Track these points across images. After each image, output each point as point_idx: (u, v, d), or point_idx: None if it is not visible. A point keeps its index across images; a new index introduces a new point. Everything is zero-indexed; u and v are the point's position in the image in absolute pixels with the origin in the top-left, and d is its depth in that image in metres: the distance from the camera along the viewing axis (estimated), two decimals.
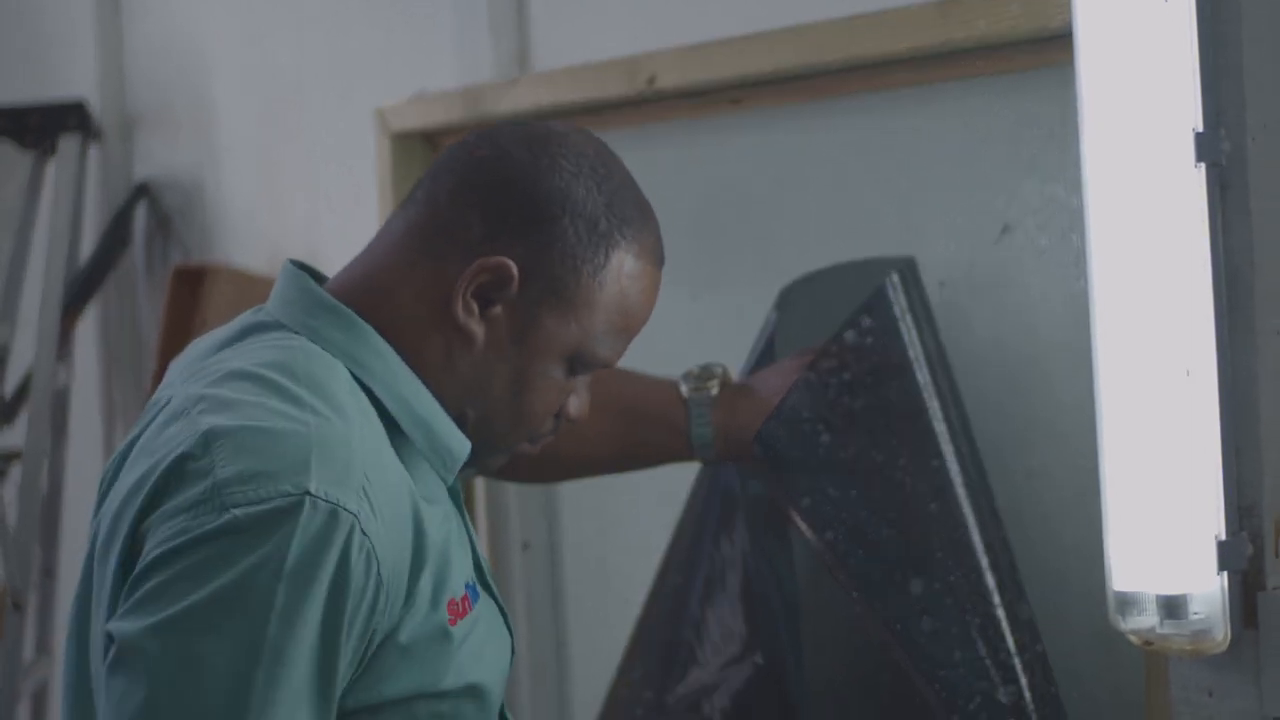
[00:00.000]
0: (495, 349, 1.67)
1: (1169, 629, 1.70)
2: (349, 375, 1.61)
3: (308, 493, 1.47)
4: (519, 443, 1.76)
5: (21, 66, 4.51)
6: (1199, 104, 1.68)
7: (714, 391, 2.06)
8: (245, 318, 1.70)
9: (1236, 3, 1.69)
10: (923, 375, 1.98)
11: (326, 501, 1.47)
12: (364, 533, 1.49)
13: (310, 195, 3.44)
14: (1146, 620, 1.72)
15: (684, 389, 2.07)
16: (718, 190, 2.43)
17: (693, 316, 2.44)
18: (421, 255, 1.66)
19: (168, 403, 1.62)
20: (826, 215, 2.28)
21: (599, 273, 1.68)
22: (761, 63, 2.24)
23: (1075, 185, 1.76)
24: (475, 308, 1.65)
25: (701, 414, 2.06)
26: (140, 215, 4.10)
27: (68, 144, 3.99)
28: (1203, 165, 1.68)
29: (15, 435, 3.98)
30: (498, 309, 1.66)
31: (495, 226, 1.65)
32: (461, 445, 1.67)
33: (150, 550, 1.48)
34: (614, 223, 1.68)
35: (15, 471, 3.91)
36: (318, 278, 1.72)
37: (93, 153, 4.13)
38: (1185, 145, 1.68)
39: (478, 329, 1.65)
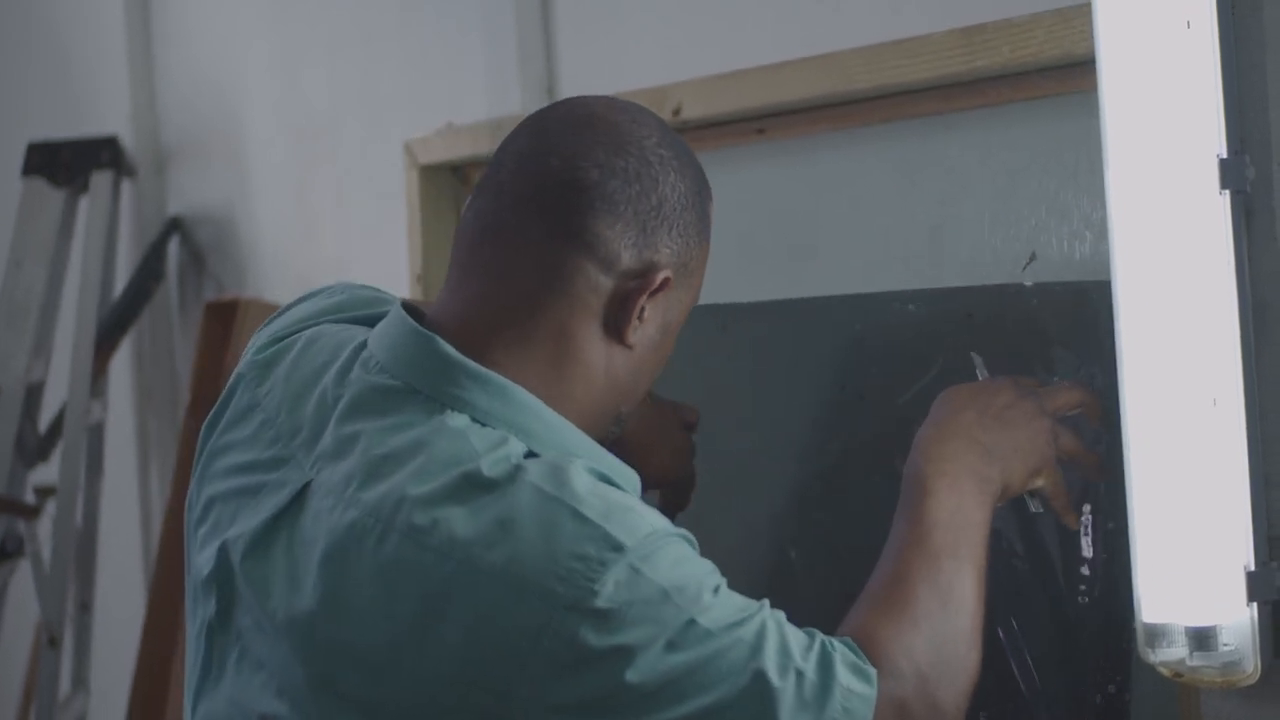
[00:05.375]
0: (647, 347, 1.67)
1: (1199, 661, 1.69)
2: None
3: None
4: None
5: (54, 103, 4.53)
6: (1223, 130, 1.67)
7: None
8: (359, 375, 1.64)
9: (1260, 29, 1.68)
10: None
11: None
12: None
13: (341, 228, 3.45)
14: (1176, 652, 1.70)
15: None
16: (743, 220, 2.42)
17: (722, 346, 2.43)
18: (546, 287, 1.62)
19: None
20: (852, 244, 2.27)
21: (706, 237, 1.70)
22: (787, 92, 2.24)
23: (1100, 213, 1.75)
24: (638, 322, 1.65)
25: None
26: (173, 250, 4.12)
27: (100, 180, 4.01)
28: (1227, 192, 1.67)
29: (50, 471, 4.00)
30: (647, 310, 1.65)
31: (630, 239, 1.63)
32: (632, 479, 1.65)
33: None
34: (702, 183, 1.70)
35: (50, 507, 3.93)
36: (418, 315, 1.67)
37: (125, 188, 4.15)
38: (1209, 172, 1.67)
39: (638, 338, 1.65)
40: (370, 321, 1.72)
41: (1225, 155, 1.67)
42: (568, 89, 2.79)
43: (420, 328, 1.63)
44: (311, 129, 3.56)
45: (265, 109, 3.74)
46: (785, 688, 1.49)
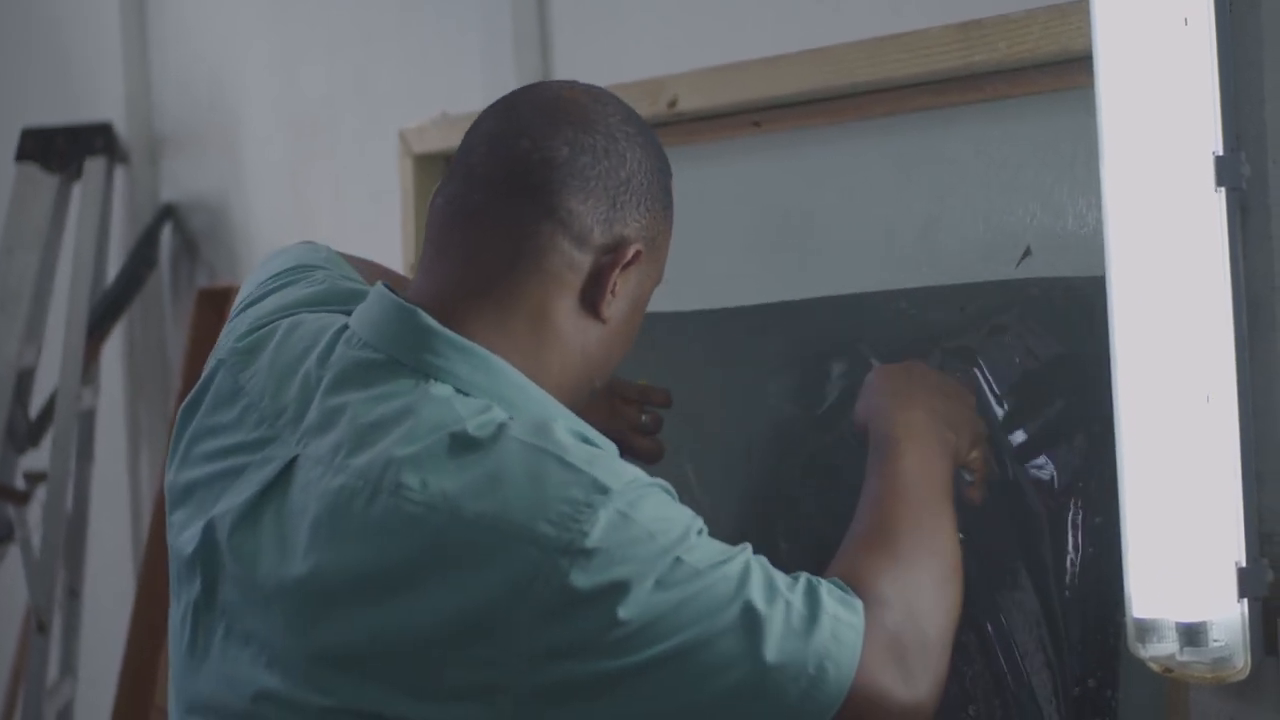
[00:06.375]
0: (619, 320, 1.72)
1: (1189, 656, 1.69)
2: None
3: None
4: None
5: (48, 89, 4.53)
6: (1219, 128, 1.67)
7: None
8: (342, 351, 1.67)
9: (1258, 26, 1.68)
10: None
11: None
12: None
13: (336, 216, 3.45)
14: (1166, 647, 1.70)
15: None
16: (738, 212, 2.42)
17: (716, 340, 2.44)
18: (521, 264, 1.66)
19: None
20: (847, 237, 2.27)
21: (670, 211, 1.76)
22: (783, 85, 2.24)
23: (1096, 209, 1.75)
24: (611, 296, 1.69)
25: None
26: (166, 237, 4.11)
27: (94, 166, 4.01)
28: (1223, 189, 1.67)
29: (40, 457, 4.00)
30: (619, 285, 1.69)
31: (602, 214, 1.67)
32: (610, 445, 1.66)
33: None
34: (663, 160, 1.76)
35: (40, 493, 3.92)
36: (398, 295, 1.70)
37: (119, 175, 4.14)
38: (1205, 169, 1.67)
39: (611, 312, 1.70)
40: (348, 313, 1.74)
41: (1221, 152, 1.67)
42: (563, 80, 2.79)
43: (403, 301, 1.66)
44: (307, 120, 3.56)
45: (260, 98, 3.74)
46: (773, 616, 1.52)
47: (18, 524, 3.92)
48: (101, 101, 4.22)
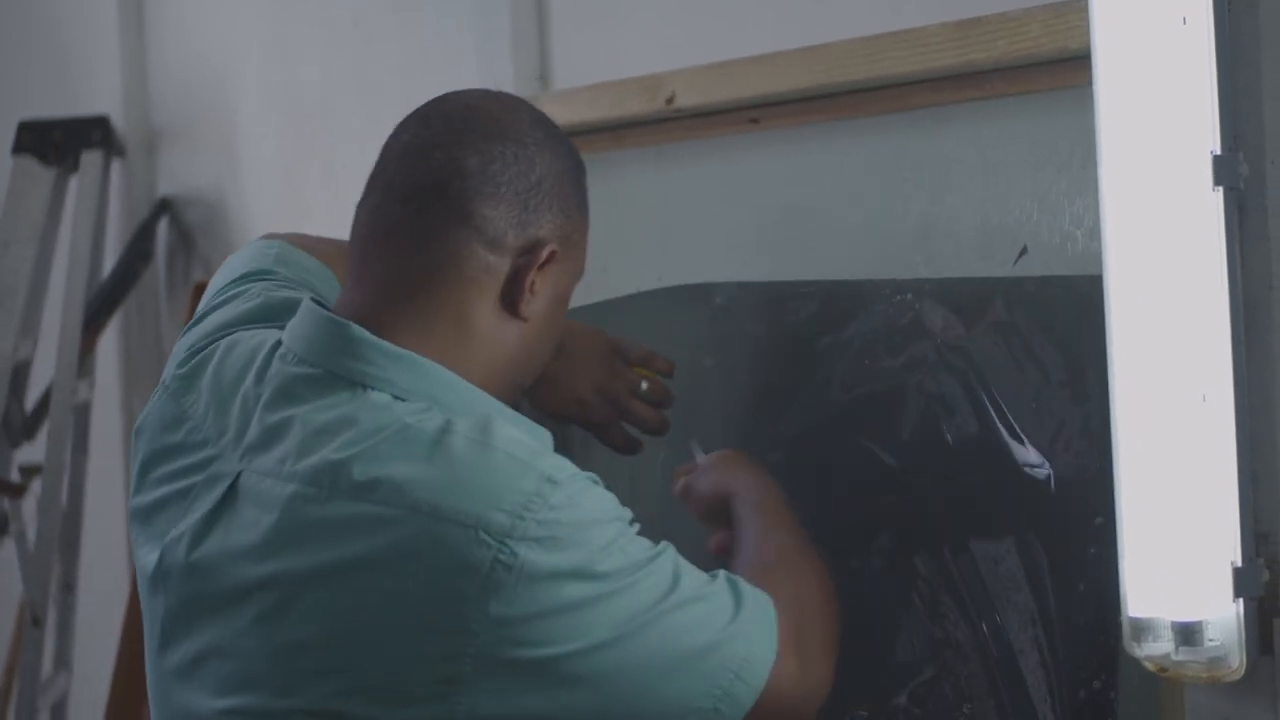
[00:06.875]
0: (540, 318, 1.78)
1: (1184, 655, 1.69)
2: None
3: None
4: None
5: (45, 82, 4.52)
6: (1217, 127, 1.67)
7: None
8: (278, 368, 1.73)
9: (1256, 26, 1.68)
10: None
11: None
12: None
13: (333, 214, 3.44)
14: (1161, 646, 1.70)
15: None
16: (735, 209, 2.42)
17: (711, 338, 2.43)
18: (441, 271, 1.73)
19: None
20: (844, 235, 2.27)
21: (585, 210, 1.84)
22: (781, 82, 2.24)
23: (1093, 208, 1.75)
24: (530, 295, 1.76)
25: None
26: (162, 231, 4.11)
27: (90, 159, 4.00)
28: (1220, 189, 1.67)
29: (36, 450, 3.99)
30: (537, 284, 1.76)
31: (514, 218, 1.74)
32: (546, 437, 1.76)
33: None
34: (575, 160, 1.83)
35: (35, 486, 3.92)
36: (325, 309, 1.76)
37: (115, 168, 4.14)
38: (1203, 168, 1.67)
39: (531, 310, 1.76)
40: (283, 327, 1.79)
41: (1219, 152, 1.67)
42: (561, 77, 2.79)
43: (334, 316, 1.73)
44: (304, 115, 3.56)
45: (257, 93, 3.73)
46: (709, 603, 1.67)
47: (12, 517, 3.91)
48: (98, 95, 4.21)
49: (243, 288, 1.94)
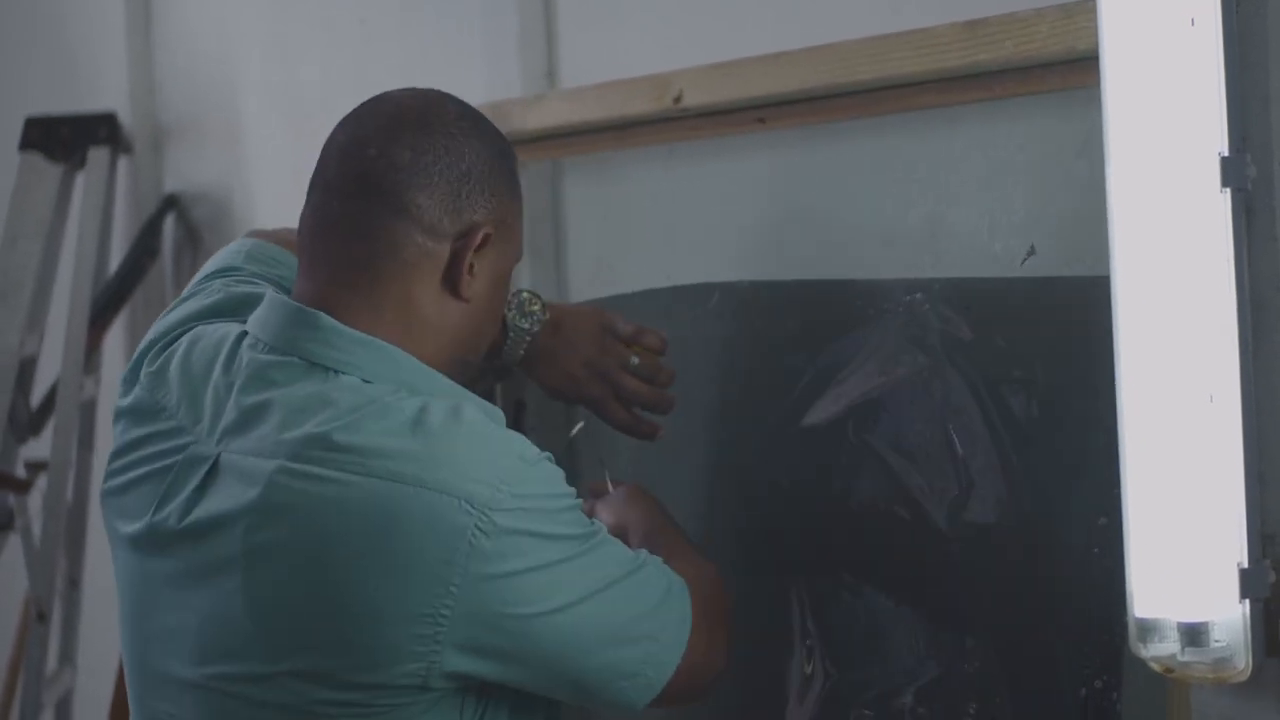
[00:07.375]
0: (482, 298, 1.88)
1: (1190, 656, 1.69)
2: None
3: None
4: None
5: (52, 79, 4.52)
6: (1224, 128, 1.67)
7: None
8: (249, 356, 1.83)
9: (1264, 27, 1.68)
10: None
11: None
12: None
13: None
14: (1168, 647, 1.70)
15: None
16: (742, 209, 2.42)
17: (720, 335, 2.44)
18: (383, 260, 1.83)
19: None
20: (851, 235, 2.27)
21: (517, 193, 1.92)
22: (788, 82, 2.24)
23: (1100, 209, 1.75)
24: (469, 277, 1.85)
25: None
26: (169, 227, 4.11)
27: (97, 156, 4.00)
28: (1228, 190, 1.67)
29: (42, 446, 3.99)
30: (476, 266, 1.85)
31: (448, 205, 1.83)
32: (499, 415, 1.84)
33: None
34: (504, 147, 1.91)
35: (41, 482, 3.92)
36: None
37: (122, 165, 4.14)
38: (1211, 170, 1.67)
39: (472, 291, 1.86)
40: (243, 319, 1.89)
41: (1227, 153, 1.67)
42: (568, 75, 2.79)
43: (301, 305, 1.83)
44: (309, 108, 3.55)
45: (263, 87, 3.74)
46: (648, 575, 1.82)
47: (18, 513, 3.92)
48: (106, 91, 4.21)
49: (206, 285, 2.03)
